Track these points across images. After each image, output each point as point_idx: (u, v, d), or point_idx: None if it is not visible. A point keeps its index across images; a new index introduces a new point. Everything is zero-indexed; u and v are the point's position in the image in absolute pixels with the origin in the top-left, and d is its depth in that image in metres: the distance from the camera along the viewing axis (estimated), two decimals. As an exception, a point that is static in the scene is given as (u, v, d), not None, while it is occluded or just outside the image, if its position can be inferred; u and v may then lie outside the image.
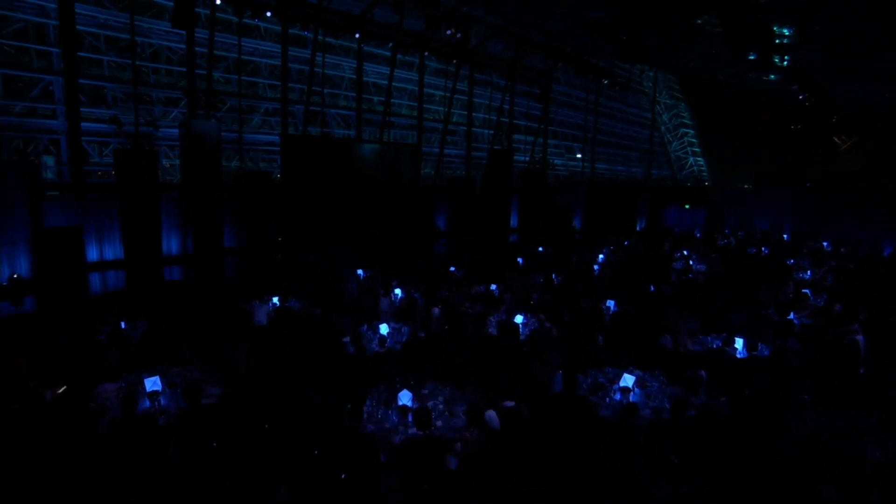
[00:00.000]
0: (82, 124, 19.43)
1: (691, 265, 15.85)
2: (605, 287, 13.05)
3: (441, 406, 5.99)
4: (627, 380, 6.58)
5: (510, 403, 5.67)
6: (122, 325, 8.98)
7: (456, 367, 7.97)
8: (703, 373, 6.59)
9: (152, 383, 5.96)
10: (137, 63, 21.01)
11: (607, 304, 11.05)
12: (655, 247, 19.29)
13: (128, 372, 6.47)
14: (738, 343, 7.91)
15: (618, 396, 6.44)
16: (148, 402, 5.79)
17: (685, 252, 17.98)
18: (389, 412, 5.74)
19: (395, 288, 11.82)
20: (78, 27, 19.50)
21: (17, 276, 11.20)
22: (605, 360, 7.57)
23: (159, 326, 8.58)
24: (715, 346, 8.15)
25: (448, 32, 16.40)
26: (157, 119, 20.68)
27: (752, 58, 13.63)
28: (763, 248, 18.63)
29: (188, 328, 8.98)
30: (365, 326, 9.03)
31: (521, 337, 9.13)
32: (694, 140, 41.74)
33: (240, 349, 7.05)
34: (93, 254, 13.15)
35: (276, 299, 10.55)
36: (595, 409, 6.08)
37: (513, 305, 10.62)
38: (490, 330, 9.33)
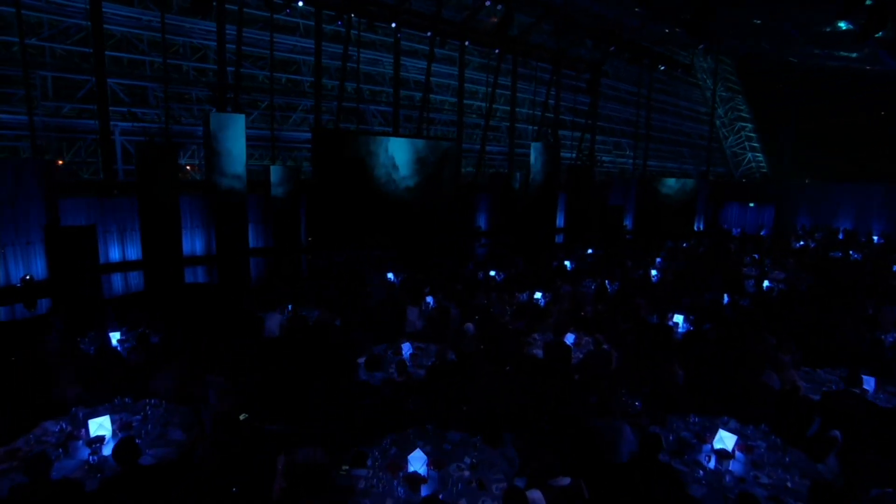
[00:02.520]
0: (125, 124, 18.94)
1: (766, 272, 13.34)
2: (668, 297, 10.89)
3: (467, 474, 4.23)
4: (725, 438, 4.60)
5: (564, 481, 3.85)
6: (119, 334, 7.70)
7: (491, 406, 6.18)
8: (836, 433, 4.52)
9: (98, 426, 4.50)
10: (178, 63, 20.44)
11: (674, 319, 8.97)
12: (720, 250, 16.73)
13: (85, 405, 5.05)
14: (869, 383, 5.71)
15: (712, 464, 4.48)
16: (87, 452, 4.33)
17: (755, 256, 15.41)
18: (395, 483, 4.04)
19: (428, 295, 10.13)
20: (121, 28, 18.99)
21: (30, 276, 10.23)
22: (687, 402, 5.60)
23: (148, 339, 7.23)
24: (833, 386, 5.98)
25: (488, 3, 14.37)
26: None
27: (879, 35, 11.00)
28: (851, 253, 15.70)
29: (188, 340, 7.59)
30: (384, 346, 7.37)
31: (573, 359, 7.25)
32: (752, 134, 38.03)
33: (226, 378, 5.54)
34: (115, 254, 12.16)
35: (290, 307, 9.06)
36: (683, 486, 4.16)
37: (562, 319, 8.72)
38: (535, 351, 7.48)
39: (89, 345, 7.35)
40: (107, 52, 18.72)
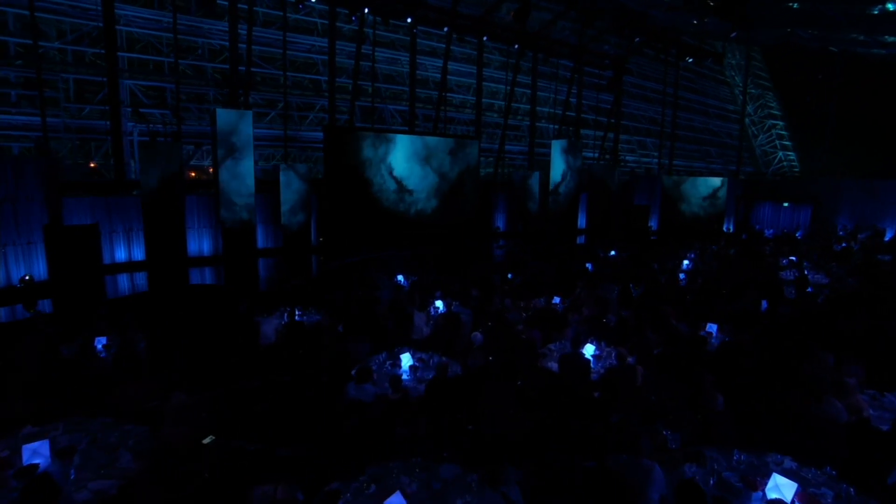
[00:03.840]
0: (144, 126, 18.69)
1: (807, 276, 12.07)
2: (698, 302, 9.81)
3: (458, 524, 3.40)
4: (782, 486, 3.63)
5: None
6: (104, 340, 7.11)
7: (495, 431, 5.33)
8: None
9: (31, 452, 3.82)
10: (200, 64, 20.18)
11: (708, 328, 7.93)
12: (754, 252, 15.42)
13: (32, 425, 4.39)
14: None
15: (766, 517, 3.54)
16: (14, 485, 3.65)
17: (793, 258, 14.09)
18: (367, 537, 3.23)
19: (438, 299, 9.31)
20: (142, 31, 18.80)
21: (29, 277, 9.81)
22: (727, 432, 4.64)
23: (131, 347, 6.61)
24: (908, 414, 4.92)
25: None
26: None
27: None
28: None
29: (166, 348, 6.94)
30: (384, 355, 6.57)
31: (593, 374, 6.33)
32: (784, 132, 36.06)
33: (193, 393, 4.82)
34: (121, 254, 11.71)
35: (289, 311, 8.36)
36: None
37: (581, 328, 7.78)
38: (550, 364, 6.58)
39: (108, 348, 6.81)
40: (129, 55, 18.63)
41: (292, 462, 4.71)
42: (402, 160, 15.30)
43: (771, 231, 21.53)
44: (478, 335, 6.76)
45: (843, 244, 16.64)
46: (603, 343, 7.12)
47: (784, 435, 4.46)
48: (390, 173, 14.93)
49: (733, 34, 13.72)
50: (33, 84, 16.97)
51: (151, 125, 14.74)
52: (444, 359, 6.61)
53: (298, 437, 5.06)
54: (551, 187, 18.11)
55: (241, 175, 11.82)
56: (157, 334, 7.15)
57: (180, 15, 19.06)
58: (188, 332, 7.56)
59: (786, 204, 21.07)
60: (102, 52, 17.60)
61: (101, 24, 17.82)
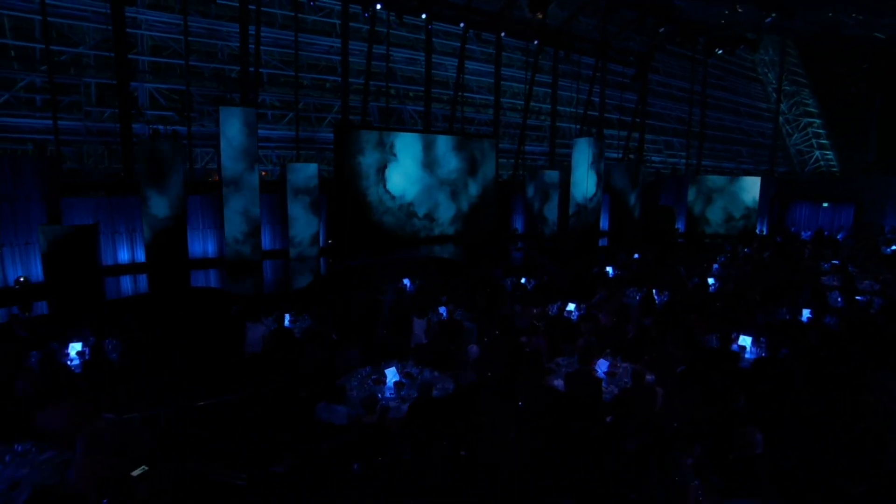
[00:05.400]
0: (160, 127, 18.54)
1: (854, 281, 10.74)
2: (728, 311, 8.68)
3: None
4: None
5: None
6: (81, 346, 6.55)
7: (492, 457, 4.48)
8: None
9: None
10: (220, 66, 19.95)
11: (740, 340, 6.87)
12: (791, 254, 14.05)
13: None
14: None
15: None
16: None
17: (835, 262, 12.70)
18: None
19: (442, 305, 8.48)
20: (161, 35, 18.65)
21: (24, 278, 9.44)
22: (767, 477, 3.66)
23: (102, 354, 6.02)
24: None
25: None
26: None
27: None
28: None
29: (145, 357, 6.33)
30: (368, 369, 5.77)
31: (605, 395, 5.40)
32: (821, 130, 33.82)
33: (126, 414, 4.14)
34: (124, 255, 11.33)
35: (287, 316, 7.66)
36: None
37: (593, 340, 6.83)
38: (556, 382, 5.67)
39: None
40: (149, 59, 18.51)
41: (244, 497, 3.96)
42: (417, 157, 14.52)
43: (808, 233, 19.89)
44: (473, 348, 5.89)
45: (893, 247, 15.04)
46: (618, 358, 6.16)
47: (842, 487, 3.46)
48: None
49: (768, 19, 12.44)
50: (56, 88, 17.01)
51: (164, 126, 14.40)
52: (436, 373, 5.79)
53: (256, 466, 4.31)
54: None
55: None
56: (133, 341, 6.55)
57: (200, 18, 18.92)
58: (168, 338, 6.95)
59: (825, 204, 19.41)
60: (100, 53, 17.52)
61: (126, 30, 17.85)
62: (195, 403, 5.08)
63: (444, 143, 15.16)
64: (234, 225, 11.11)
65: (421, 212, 14.05)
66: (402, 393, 5.30)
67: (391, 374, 5.47)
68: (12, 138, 16.02)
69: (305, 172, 12.41)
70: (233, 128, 11.24)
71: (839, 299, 9.17)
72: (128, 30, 17.55)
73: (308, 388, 5.52)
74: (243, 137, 11.28)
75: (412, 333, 7.60)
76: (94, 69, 17.59)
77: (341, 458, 4.23)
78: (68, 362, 6.30)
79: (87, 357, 6.31)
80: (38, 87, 17.25)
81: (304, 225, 12.35)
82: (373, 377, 5.60)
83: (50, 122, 17.37)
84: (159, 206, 10.51)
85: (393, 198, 13.69)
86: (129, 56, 17.76)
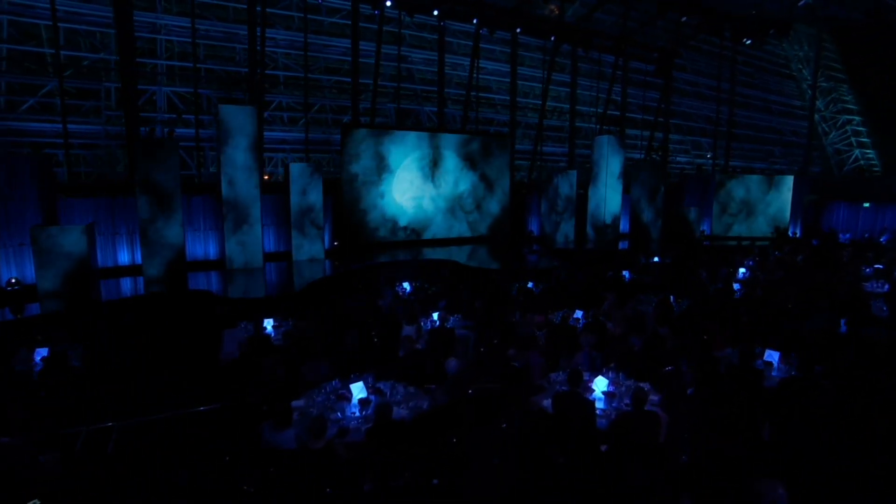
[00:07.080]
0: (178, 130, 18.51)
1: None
2: (756, 321, 7.67)
3: None
4: None
5: None
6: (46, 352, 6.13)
7: (471, 487, 3.75)
8: None
9: None
10: (236, 69, 19.85)
11: (766, 356, 5.90)
12: (829, 257, 12.75)
13: None
14: None
15: None
16: None
17: (879, 266, 11.41)
18: None
19: (439, 310, 7.78)
20: (178, 39, 18.64)
21: (16, 279, 9.19)
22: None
23: (65, 360, 5.56)
24: None
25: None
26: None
27: None
28: None
29: (111, 364, 5.86)
30: (336, 382, 5.10)
31: (600, 422, 4.58)
32: (861, 129, 31.62)
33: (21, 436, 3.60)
34: (124, 256, 11.04)
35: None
36: None
37: (596, 353, 6.00)
38: (546, 403, 4.88)
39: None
40: (164, 62, 18.51)
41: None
42: (428, 157, 13.86)
43: (847, 235, 18.30)
44: (452, 362, 5.15)
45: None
46: (622, 375, 5.33)
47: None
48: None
49: (801, 2, 11.28)
50: (79, 93, 17.20)
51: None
52: (410, 389, 5.10)
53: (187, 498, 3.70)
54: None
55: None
56: (98, 347, 6.08)
57: (217, 22, 18.87)
58: (139, 343, 6.47)
59: (866, 204, 17.82)
60: (145, 61, 17.60)
61: (145, 35, 17.88)
62: (139, 418, 4.52)
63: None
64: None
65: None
66: (368, 412, 4.62)
67: (356, 390, 4.79)
68: (33, 143, 16.17)
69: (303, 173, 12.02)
70: (234, 126, 10.86)
71: (884, 308, 8.03)
72: (147, 34, 17.63)
73: (268, 405, 4.90)
74: (244, 137, 10.89)
75: (400, 342, 6.93)
76: (115, 74, 17.70)
77: (280, 489, 3.58)
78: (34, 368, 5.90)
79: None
80: (58, 93, 17.45)
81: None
82: (340, 391, 4.94)
83: (70, 126, 17.55)
84: (149, 207, 10.17)
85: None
86: (147, 61, 17.81)
